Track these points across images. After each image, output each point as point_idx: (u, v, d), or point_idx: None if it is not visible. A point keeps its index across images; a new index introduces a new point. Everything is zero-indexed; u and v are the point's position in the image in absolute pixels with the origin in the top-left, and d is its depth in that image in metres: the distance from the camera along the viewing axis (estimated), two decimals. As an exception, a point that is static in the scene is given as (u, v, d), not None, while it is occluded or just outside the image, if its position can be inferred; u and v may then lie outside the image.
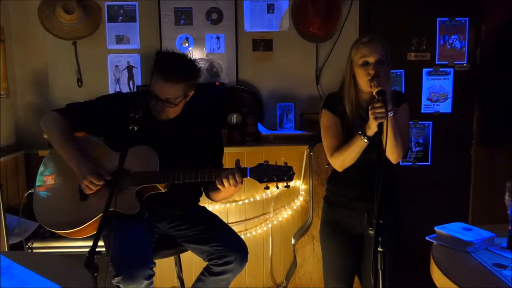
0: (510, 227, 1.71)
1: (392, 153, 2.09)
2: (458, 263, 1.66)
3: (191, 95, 2.29)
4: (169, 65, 2.17)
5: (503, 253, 1.69)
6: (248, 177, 2.12)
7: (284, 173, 2.13)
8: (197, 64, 2.29)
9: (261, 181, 2.12)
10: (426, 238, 1.85)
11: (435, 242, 1.81)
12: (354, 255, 2.28)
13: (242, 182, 2.11)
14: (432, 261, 1.67)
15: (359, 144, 2.07)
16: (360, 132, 2.06)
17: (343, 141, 2.17)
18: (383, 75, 2.03)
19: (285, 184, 2.14)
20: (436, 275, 1.59)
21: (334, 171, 2.28)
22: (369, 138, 2.04)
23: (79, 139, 2.30)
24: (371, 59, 2.07)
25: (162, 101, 2.20)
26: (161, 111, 2.25)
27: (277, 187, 2.15)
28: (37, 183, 2.26)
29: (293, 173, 2.14)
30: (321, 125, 2.26)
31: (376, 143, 1.99)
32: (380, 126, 1.92)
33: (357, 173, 2.18)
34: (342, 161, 2.16)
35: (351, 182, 2.22)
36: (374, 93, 1.98)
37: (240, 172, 2.11)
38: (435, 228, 1.85)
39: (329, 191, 2.36)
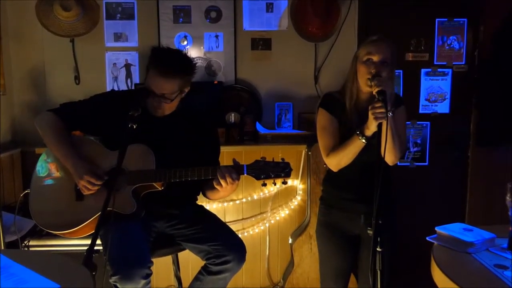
0: (511, 228, 1.71)
1: (389, 154, 2.07)
2: (459, 263, 1.66)
3: (187, 91, 2.28)
4: (164, 60, 2.17)
5: (504, 254, 1.69)
6: (245, 174, 2.11)
7: (281, 169, 2.11)
8: (193, 59, 2.28)
9: (258, 178, 2.11)
10: (427, 238, 1.84)
11: (435, 243, 1.80)
12: (350, 256, 2.28)
13: (239, 179, 2.10)
14: (433, 262, 1.66)
15: (357, 144, 2.06)
16: (358, 132, 2.05)
17: (339, 141, 2.16)
18: (385, 76, 2.02)
19: (282, 180, 2.12)
20: (437, 275, 1.59)
21: (329, 172, 2.27)
22: (367, 138, 2.03)
23: (74, 138, 2.28)
24: (375, 58, 2.06)
25: (158, 97, 2.18)
26: (157, 107, 2.23)
27: (274, 184, 2.13)
28: (38, 172, 2.25)
29: (291, 169, 2.12)
30: (318, 124, 2.24)
31: (372, 144, 1.98)
32: (378, 126, 1.92)
33: (353, 174, 2.17)
34: (338, 161, 2.15)
35: (347, 183, 2.21)
36: (374, 93, 1.97)
37: (236, 169, 2.09)
38: (436, 229, 1.84)
39: (325, 192, 2.36)
